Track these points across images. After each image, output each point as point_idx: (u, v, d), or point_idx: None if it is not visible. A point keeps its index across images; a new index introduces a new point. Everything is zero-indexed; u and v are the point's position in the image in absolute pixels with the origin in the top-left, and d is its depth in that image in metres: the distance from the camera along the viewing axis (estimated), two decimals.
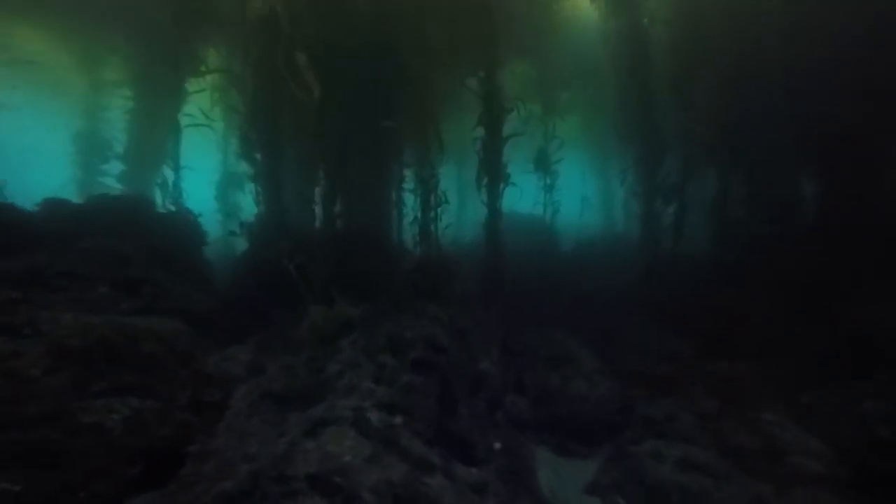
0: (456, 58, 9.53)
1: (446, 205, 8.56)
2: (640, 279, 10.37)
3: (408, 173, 10.23)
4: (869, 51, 7.42)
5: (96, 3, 13.07)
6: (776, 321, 7.78)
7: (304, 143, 9.38)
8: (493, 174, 9.44)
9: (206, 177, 16.56)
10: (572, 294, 10.20)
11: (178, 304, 6.18)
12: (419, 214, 8.31)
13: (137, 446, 3.26)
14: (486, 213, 9.57)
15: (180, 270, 8.05)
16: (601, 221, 20.51)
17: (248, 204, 11.33)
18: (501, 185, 9.41)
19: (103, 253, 5.52)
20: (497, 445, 5.27)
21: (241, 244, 10.39)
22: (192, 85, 11.05)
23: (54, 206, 8.10)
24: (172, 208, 9.83)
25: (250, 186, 10.13)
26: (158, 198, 10.23)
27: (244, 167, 10.49)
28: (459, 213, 21.29)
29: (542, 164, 11.85)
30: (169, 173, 10.13)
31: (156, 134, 13.19)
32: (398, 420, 3.98)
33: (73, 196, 11.36)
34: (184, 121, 10.26)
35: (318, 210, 8.87)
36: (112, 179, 13.84)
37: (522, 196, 10.83)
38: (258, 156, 9.89)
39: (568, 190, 13.18)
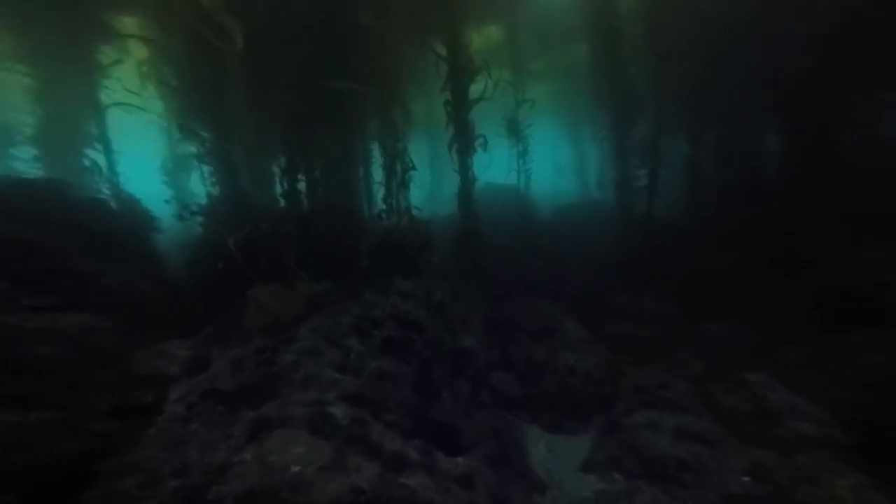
0: (419, 18, 8.65)
1: (414, 171, 7.81)
2: (617, 242, 10.26)
3: (375, 145, 9.42)
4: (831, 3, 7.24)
5: None
6: (753, 279, 7.79)
7: (257, 114, 8.36)
8: (462, 139, 8.78)
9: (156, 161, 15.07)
10: (552, 260, 9.86)
11: (109, 297, 5.32)
12: (384, 182, 7.55)
13: (11, 470, 2.52)
14: (458, 180, 8.92)
15: (119, 260, 7.19)
16: (574, 188, 20.22)
17: (201, 186, 10.23)
18: (472, 150, 8.75)
19: (3, 244, 4.59)
20: None
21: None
22: (105, 57, 9.61)
23: None
24: (107, 193, 8.69)
25: (199, 168, 9.07)
26: (91, 183, 9.04)
27: (189, 147, 9.35)
28: (434, 190, 20.54)
29: (514, 129, 11.23)
30: (99, 157, 8.88)
31: (69, 114, 11.47)
32: (365, 413, 3.37)
33: None
34: (106, 99, 8.94)
35: (278, 187, 8.00)
36: (24, 164, 11.95)
37: (495, 163, 10.23)
38: (203, 133, 8.79)
39: (540, 157, 12.75)
